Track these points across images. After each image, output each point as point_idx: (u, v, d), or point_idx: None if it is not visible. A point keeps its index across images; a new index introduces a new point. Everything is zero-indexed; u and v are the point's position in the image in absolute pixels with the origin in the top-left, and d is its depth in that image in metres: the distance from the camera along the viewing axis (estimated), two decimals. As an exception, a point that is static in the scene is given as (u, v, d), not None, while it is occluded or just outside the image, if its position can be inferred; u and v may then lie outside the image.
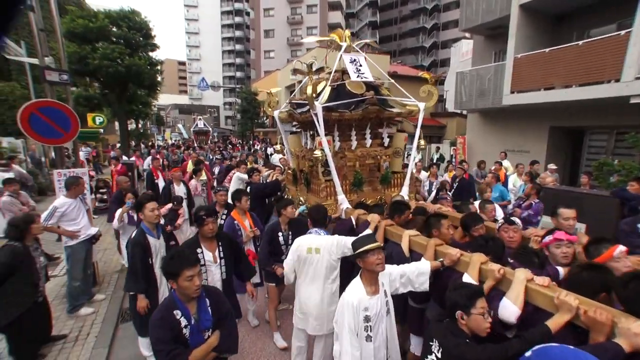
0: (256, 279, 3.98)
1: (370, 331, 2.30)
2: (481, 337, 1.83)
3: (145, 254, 3.33)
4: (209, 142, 25.91)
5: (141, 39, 17.50)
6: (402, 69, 23.36)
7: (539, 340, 1.66)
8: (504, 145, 11.59)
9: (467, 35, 15.52)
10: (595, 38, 8.56)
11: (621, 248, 2.22)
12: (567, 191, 5.34)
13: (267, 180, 5.80)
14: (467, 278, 2.27)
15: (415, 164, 6.62)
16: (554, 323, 1.73)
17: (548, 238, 2.58)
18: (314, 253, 3.02)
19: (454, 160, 13.47)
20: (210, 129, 28.99)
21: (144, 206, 3.47)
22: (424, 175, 8.04)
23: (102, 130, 15.63)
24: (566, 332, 1.72)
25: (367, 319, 2.28)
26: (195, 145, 23.62)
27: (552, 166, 8.36)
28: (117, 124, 21.94)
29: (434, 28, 44.93)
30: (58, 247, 6.38)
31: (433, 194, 6.90)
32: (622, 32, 7.78)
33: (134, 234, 3.45)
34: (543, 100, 9.57)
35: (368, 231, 3.17)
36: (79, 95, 17.60)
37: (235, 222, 4.11)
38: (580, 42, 8.76)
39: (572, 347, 1.29)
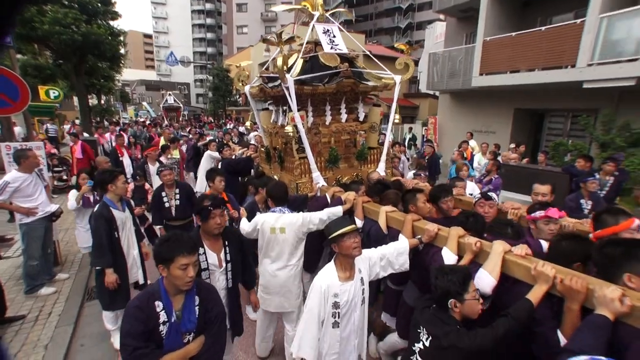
0: None
1: (339, 318, 2.17)
2: (471, 320, 1.81)
3: (110, 227, 3.21)
4: (180, 119, 25.00)
5: (99, 5, 16.04)
6: (377, 49, 23.28)
7: (524, 316, 1.69)
8: (473, 125, 12.04)
9: (442, 17, 15.62)
10: (555, 25, 8.97)
11: (638, 222, 2.13)
12: (524, 168, 5.64)
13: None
14: (446, 252, 2.26)
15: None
16: (535, 296, 1.72)
17: (538, 213, 2.53)
18: (278, 233, 2.91)
19: (425, 139, 13.81)
20: (182, 105, 27.84)
21: (117, 178, 3.33)
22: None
23: (58, 106, 14.43)
24: (541, 302, 1.74)
25: (335, 305, 2.15)
26: (166, 122, 22.76)
27: (512, 145, 8.89)
28: (75, 99, 20.43)
29: (410, 9, 44.67)
30: (12, 228, 6.08)
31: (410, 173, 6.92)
32: (578, 21, 8.18)
33: (96, 208, 3.28)
34: (509, 83, 9.92)
35: (340, 208, 3.11)
36: (27, 64, 16.02)
37: None
38: (543, 28, 9.12)
39: (604, 358, 1.21)
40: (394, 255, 2.42)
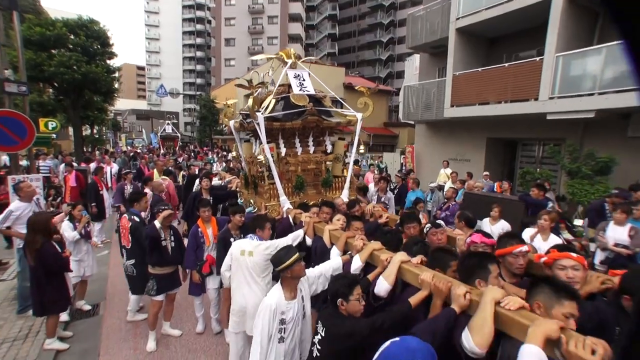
0: (215, 284, 4.25)
1: (284, 333, 2.52)
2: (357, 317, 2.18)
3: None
4: (177, 149, 25.26)
5: (99, 47, 17.88)
6: (357, 81, 24.07)
7: (400, 312, 2.07)
8: (448, 154, 12.50)
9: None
10: (518, 62, 9.70)
11: (522, 248, 2.39)
12: (484, 196, 6.14)
13: (227, 186, 6.08)
14: (356, 258, 2.68)
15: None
16: (415, 299, 2.07)
17: (468, 239, 2.80)
18: (246, 255, 3.17)
19: (404, 168, 14.40)
20: (179, 134, 28.13)
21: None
22: (372, 189, 7.20)
23: (54, 136, 14.97)
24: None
25: (282, 321, 2.51)
26: (163, 150, 23.01)
27: (486, 173, 9.50)
28: (70, 129, 21.89)
29: (390, 42, 47.12)
30: (7, 254, 6.33)
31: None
32: (537, 58, 8.97)
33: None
34: (479, 114, 10.56)
35: (301, 231, 3.57)
36: (32, 101, 16.84)
37: (199, 229, 4.25)
38: (507, 64, 9.88)
39: (412, 337, 1.53)
40: (329, 272, 2.81)
